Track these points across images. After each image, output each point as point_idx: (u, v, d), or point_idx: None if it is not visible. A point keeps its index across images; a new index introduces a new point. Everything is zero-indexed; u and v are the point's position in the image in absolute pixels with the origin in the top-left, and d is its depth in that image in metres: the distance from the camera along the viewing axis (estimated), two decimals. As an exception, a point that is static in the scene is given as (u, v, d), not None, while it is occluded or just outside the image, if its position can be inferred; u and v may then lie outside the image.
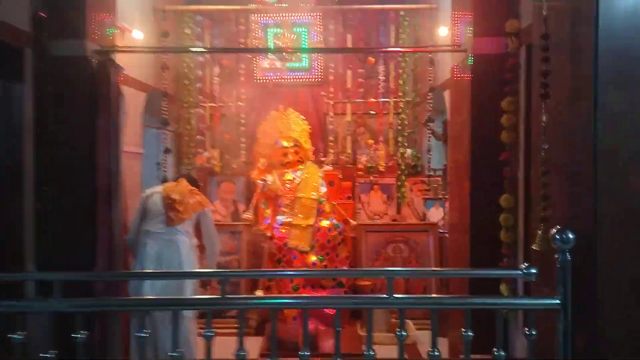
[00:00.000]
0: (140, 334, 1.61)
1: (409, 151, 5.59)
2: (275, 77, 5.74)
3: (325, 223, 4.96)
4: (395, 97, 5.65)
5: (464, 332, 1.70)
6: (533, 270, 1.70)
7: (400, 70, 5.58)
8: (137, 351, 3.62)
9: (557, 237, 1.68)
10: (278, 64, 5.20)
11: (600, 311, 1.72)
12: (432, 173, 5.46)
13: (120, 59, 3.76)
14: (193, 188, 3.93)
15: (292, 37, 5.61)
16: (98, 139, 3.41)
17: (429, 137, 5.06)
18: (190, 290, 3.73)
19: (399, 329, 1.65)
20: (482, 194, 3.32)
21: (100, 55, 3.46)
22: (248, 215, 5.24)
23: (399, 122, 5.61)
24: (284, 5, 5.70)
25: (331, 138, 5.75)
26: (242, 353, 1.59)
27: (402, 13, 5.48)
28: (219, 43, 5.87)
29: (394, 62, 5.64)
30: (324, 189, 5.12)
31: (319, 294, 4.87)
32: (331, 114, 5.76)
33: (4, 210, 3.04)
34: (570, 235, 1.66)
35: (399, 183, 5.57)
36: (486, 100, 3.25)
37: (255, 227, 5.26)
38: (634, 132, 1.71)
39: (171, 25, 5.34)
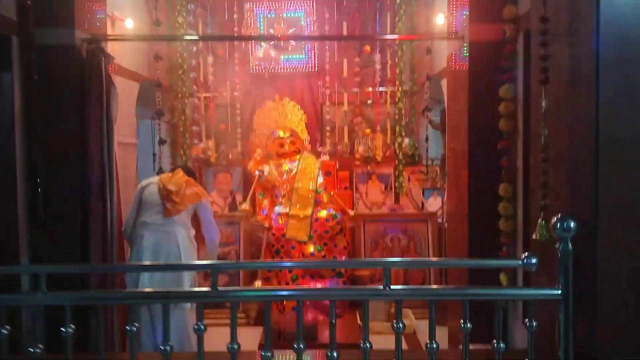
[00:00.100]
0: (128, 327, 1.56)
1: (406, 140, 5.55)
2: (270, 67, 5.67)
3: (323, 213, 4.92)
4: (392, 87, 5.60)
5: (463, 323, 1.66)
6: (533, 260, 1.66)
7: (397, 59, 5.52)
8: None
9: (558, 225, 1.63)
10: (273, 53, 5.13)
11: (600, 301, 1.68)
12: (430, 162, 5.42)
13: (112, 48, 3.69)
14: (190, 179, 3.88)
15: (286, 26, 5.54)
16: (90, 129, 3.34)
17: (427, 126, 5.03)
18: (189, 281, 3.70)
19: (395, 321, 1.61)
20: (480, 183, 3.28)
21: (90, 44, 3.39)
22: (245, 206, 5.22)
23: (396, 111, 5.57)
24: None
25: (328, 128, 5.72)
26: (234, 346, 1.55)
27: (397, 1, 5.41)
28: (212, 32, 5.79)
29: (391, 50, 5.58)
30: (321, 179, 5.08)
31: (318, 284, 4.86)
32: (328, 103, 5.71)
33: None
34: (572, 224, 1.61)
35: (397, 173, 5.55)
36: (483, 88, 3.19)
37: (253, 218, 5.24)
38: (637, 118, 1.67)
39: (164, 14, 5.26)
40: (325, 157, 5.53)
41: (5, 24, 2.95)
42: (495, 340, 1.66)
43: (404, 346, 4.09)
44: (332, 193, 5.26)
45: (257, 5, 5.74)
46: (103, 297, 1.67)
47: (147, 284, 3.59)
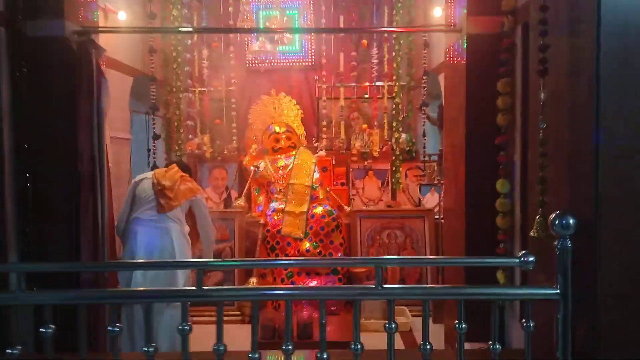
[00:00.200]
0: (113, 328, 1.50)
1: (403, 136, 5.50)
2: (266, 61, 5.61)
3: (318, 210, 4.89)
4: (389, 81, 5.54)
5: (457, 324, 1.60)
6: (531, 258, 1.60)
7: (394, 54, 5.46)
8: (128, 342, 3.56)
9: (557, 222, 1.58)
10: (269, 46, 5.06)
11: (600, 300, 1.62)
12: (427, 158, 5.39)
13: (106, 42, 3.62)
14: (184, 174, 3.82)
15: (283, 19, 5.46)
16: (80, 123, 3.28)
17: (424, 121, 4.97)
18: (183, 278, 3.64)
19: (388, 321, 1.55)
20: (477, 178, 3.22)
21: (81, 36, 3.32)
22: (240, 202, 5.17)
23: (393, 106, 5.51)
24: (274, -14, 5.55)
25: (324, 123, 5.64)
26: (221, 347, 1.49)
27: (395, -6, 5.35)
28: (207, 25, 5.71)
29: (388, 45, 5.51)
30: (317, 175, 5.03)
31: (313, 281, 4.82)
32: (324, 98, 5.64)
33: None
34: (571, 221, 1.55)
35: (394, 169, 5.50)
36: (481, 82, 3.13)
37: (248, 214, 5.19)
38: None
39: (158, 7, 5.18)
40: (322, 153, 5.47)
41: (-9, 15, 2.88)
42: (491, 341, 1.60)
43: (400, 345, 4.07)
44: (328, 189, 5.22)
45: (254, -1, 5.67)
46: (82, 296, 1.61)
47: (140, 281, 3.53)
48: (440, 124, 4.74)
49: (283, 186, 4.99)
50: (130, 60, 5.06)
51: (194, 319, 4.17)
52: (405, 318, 4.50)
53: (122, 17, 4.62)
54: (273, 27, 5.14)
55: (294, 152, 5.10)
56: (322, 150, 5.51)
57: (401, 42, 5.42)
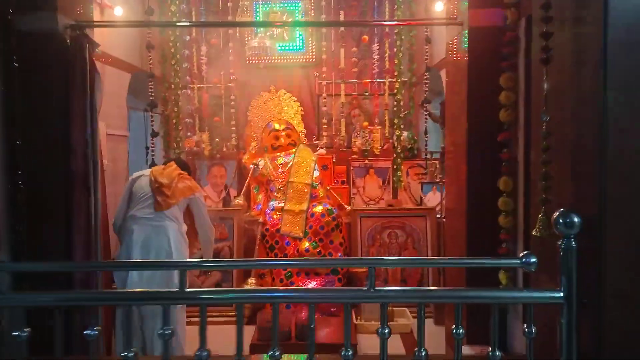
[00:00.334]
0: (88, 331, 1.42)
1: (405, 134, 5.42)
2: (266, 57, 5.52)
3: (318, 208, 4.80)
4: (390, 78, 5.45)
5: (455, 328, 1.52)
6: (532, 260, 1.51)
7: (396, 49, 5.37)
8: (122, 343, 3.50)
9: (560, 221, 1.48)
10: (268, 42, 4.97)
11: (607, 304, 1.54)
12: (429, 156, 5.32)
13: (103, 38, 3.56)
14: (182, 172, 3.76)
15: (283, 14, 5.39)
16: (73, 119, 3.22)
17: (426, 118, 4.90)
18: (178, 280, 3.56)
19: (381, 326, 1.47)
20: (479, 176, 3.14)
21: (74, 30, 3.25)
22: (239, 200, 5.10)
23: (395, 103, 5.43)
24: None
25: (324, 120, 5.56)
26: (203, 353, 1.41)
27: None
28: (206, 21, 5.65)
29: (389, 41, 5.42)
30: (317, 173, 4.95)
31: (312, 282, 4.74)
32: (324, 95, 5.56)
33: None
34: (575, 219, 1.46)
35: (395, 167, 5.43)
36: (484, 77, 3.05)
37: (247, 212, 5.12)
38: (650, 102, 1.51)
39: (156, 3, 5.12)
40: (322, 151, 5.39)
41: (-20, 9, 2.82)
42: (490, 347, 1.51)
43: (400, 347, 3.99)
44: (328, 187, 5.14)
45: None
46: (62, 298, 1.54)
47: (136, 280, 3.47)
48: (442, 121, 4.65)
49: (282, 184, 4.91)
50: (127, 57, 5.00)
51: (192, 319, 4.12)
52: (406, 320, 4.42)
53: (119, 12, 4.55)
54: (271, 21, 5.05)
55: (293, 150, 5.02)
56: (322, 148, 5.43)
57: (402, 37, 5.33)
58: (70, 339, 2.85)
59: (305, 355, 1.48)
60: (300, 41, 5.74)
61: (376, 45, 5.46)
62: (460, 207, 3.34)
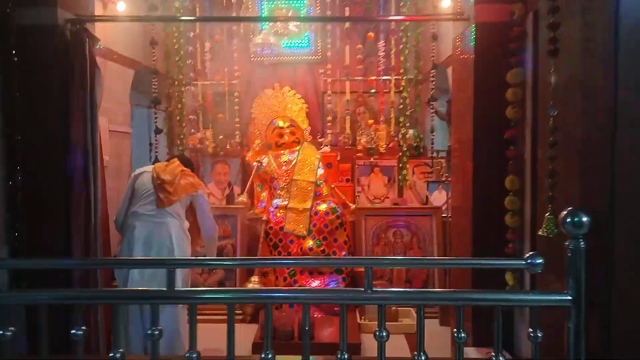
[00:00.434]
0: (76, 330, 1.37)
1: (411, 131, 5.35)
2: (270, 54, 5.47)
3: (322, 207, 4.75)
4: (396, 75, 5.38)
5: (456, 332, 1.45)
6: (538, 261, 1.43)
7: (402, 46, 5.30)
8: (123, 342, 3.46)
9: (568, 220, 1.41)
10: (272, 39, 4.92)
11: (616, 306, 1.47)
12: (435, 154, 5.24)
13: (106, 34, 3.52)
14: (185, 169, 3.72)
15: (288, 11, 5.33)
16: (73, 115, 3.18)
17: (432, 116, 4.83)
18: (181, 275, 3.53)
19: (378, 329, 1.41)
20: (485, 175, 3.07)
21: (74, 25, 3.21)
22: (243, 198, 5.06)
23: (401, 101, 5.36)
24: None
25: (329, 118, 5.50)
26: (194, 355, 1.36)
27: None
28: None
29: (395, 37, 5.35)
30: (321, 171, 4.89)
31: (316, 280, 4.69)
32: (329, 92, 5.50)
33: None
34: (584, 219, 1.39)
35: (401, 165, 5.37)
36: (490, 73, 2.98)
37: (251, 210, 5.08)
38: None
39: (159, -1, 5.08)
40: (326, 148, 5.33)
41: (-21, 3, 2.79)
42: (494, 353, 1.44)
43: (405, 348, 3.92)
44: (332, 185, 5.08)
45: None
46: (46, 296, 1.49)
47: (138, 278, 3.44)
48: (448, 119, 4.58)
49: (286, 182, 4.86)
50: (131, 53, 4.97)
51: (199, 317, 4.08)
52: (410, 320, 4.36)
53: (122, 8, 4.51)
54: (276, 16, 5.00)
55: (297, 148, 4.97)
56: (326, 145, 5.38)
57: (408, 34, 5.26)
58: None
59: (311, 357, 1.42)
60: (305, 38, 5.69)
61: (382, 42, 5.39)
62: (466, 205, 3.28)
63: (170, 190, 3.57)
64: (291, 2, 5.50)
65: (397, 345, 3.76)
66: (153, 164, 3.92)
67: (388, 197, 5.45)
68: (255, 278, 4.70)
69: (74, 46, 3.20)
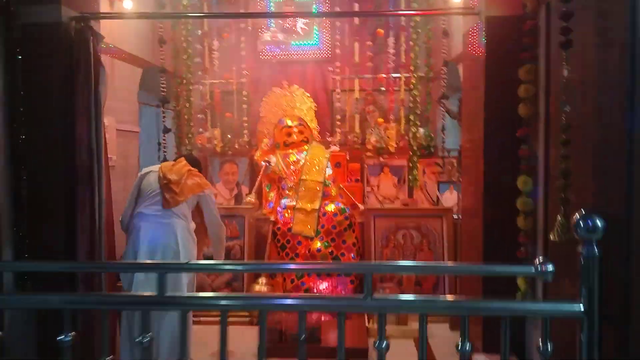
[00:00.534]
0: (61, 337, 1.32)
1: (421, 130, 5.24)
2: (279, 52, 5.41)
3: (330, 207, 4.66)
4: (406, 72, 5.28)
5: (461, 343, 1.37)
6: (549, 268, 1.34)
7: (412, 43, 5.20)
8: (126, 348, 3.42)
9: (581, 224, 1.32)
10: (280, 36, 4.86)
11: (633, 318, 1.37)
12: (446, 154, 5.13)
13: (113, 33, 3.49)
14: (192, 168, 3.66)
15: (297, 8, 5.27)
16: (77, 113, 3.15)
17: (443, 115, 4.72)
18: (187, 277, 3.48)
19: (378, 339, 1.33)
20: (497, 175, 2.99)
21: (79, 22, 3.18)
22: (251, 198, 5.00)
23: (411, 99, 5.25)
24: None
25: (338, 117, 5.42)
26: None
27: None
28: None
29: (405, 34, 5.25)
30: (329, 171, 4.81)
31: (324, 282, 4.61)
32: (338, 90, 5.42)
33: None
34: (598, 223, 1.29)
35: (411, 165, 5.26)
36: (502, 68, 2.89)
37: (259, 211, 5.02)
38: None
39: (168, -4, 5.04)
40: (335, 148, 5.25)
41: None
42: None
43: (413, 354, 3.82)
44: (341, 186, 4.99)
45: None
46: (24, 300, 1.43)
47: (143, 279, 3.39)
48: (460, 118, 4.48)
49: (294, 182, 4.79)
50: (139, 52, 4.94)
51: (202, 319, 4.04)
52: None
53: (129, 5, 4.48)
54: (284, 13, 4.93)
55: (306, 147, 4.88)
56: (335, 145, 5.30)
57: (419, 30, 5.15)
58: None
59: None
60: (314, 36, 5.61)
61: (392, 39, 5.29)
62: (477, 207, 3.19)
63: (177, 190, 3.51)
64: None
65: (407, 350, 3.66)
66: (161, 163, 3.88)
67: (398, 198, 5.36)
68: (262, 279, 4.63)
69: (78, 44, 3.18)
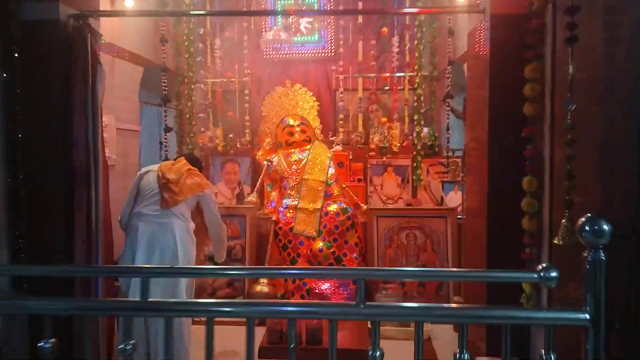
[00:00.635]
0: (41, 343, 1.27)
1: (425, 130, 5.20)
2: (281, 51, 5.36)
3: (333, 207, 4.61)
4: (410, 72, 5.22)
5: (459, 354, 1.31)
6: (553, 274, 1.28)
7: (416, 42, 5.14)
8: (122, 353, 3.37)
9: (587, 228, 1.26)
10: (283, 35, 4.81)
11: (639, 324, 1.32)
12: (450, 154, 5.06)
13: (114, 31, 3.45)
14: (192, 168, 3.61)
15: (301, 7, 5.22)
16: (74, 111, 3.11)
17: (448, 114, 4.66)
18: (186, 280, 3.44)
19: (372, 348, 1.27)
20: (501, 175, 2.92)
21: (77, 20, 3.15)
22: (252, 198, 4.96)
23: (415, 98, 5.20)
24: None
25: (341, 116, 5.37)
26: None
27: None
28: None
29: (410, 33, 5.20)
30: (332, 171, 4.76)
31: (326, 283, 4.57)
32: (341, 89, 5.37)
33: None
34: (605, 227, 1.24)
35: (415, 165, 5.22)
36: (507, 67, 2.83)
37: (260, 210, 4.98)
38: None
39: (170, -6, 5.01)
40: (338, 147, 5.20)
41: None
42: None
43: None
44: (343, 185, 4.94)
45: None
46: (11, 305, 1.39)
47: (140, 283, 3.33)
48: (465, 117, 4.42)
49: (296, 182, 4.74)
50: (141, 50, 4.90)
51: (202, 319, 3.99)
52: (425, 325, 4.20)
53: (130, 4, 4.44)
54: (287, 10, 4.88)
55: (308, 146, 4.84)
56: (338, 144, 5.25)
57: (424, 29, 5.10)
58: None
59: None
60: (318, 34, 5.56)
61: (396, 37, 5.24)
62: (481, 207, 3.13)
63: (176, 190, 3.47)
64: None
65: (409, 352, 3.60)
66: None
67: (401, 198, 5.31)
68: (264, 280, 4.60)
69: (76, 42, 3.14)
